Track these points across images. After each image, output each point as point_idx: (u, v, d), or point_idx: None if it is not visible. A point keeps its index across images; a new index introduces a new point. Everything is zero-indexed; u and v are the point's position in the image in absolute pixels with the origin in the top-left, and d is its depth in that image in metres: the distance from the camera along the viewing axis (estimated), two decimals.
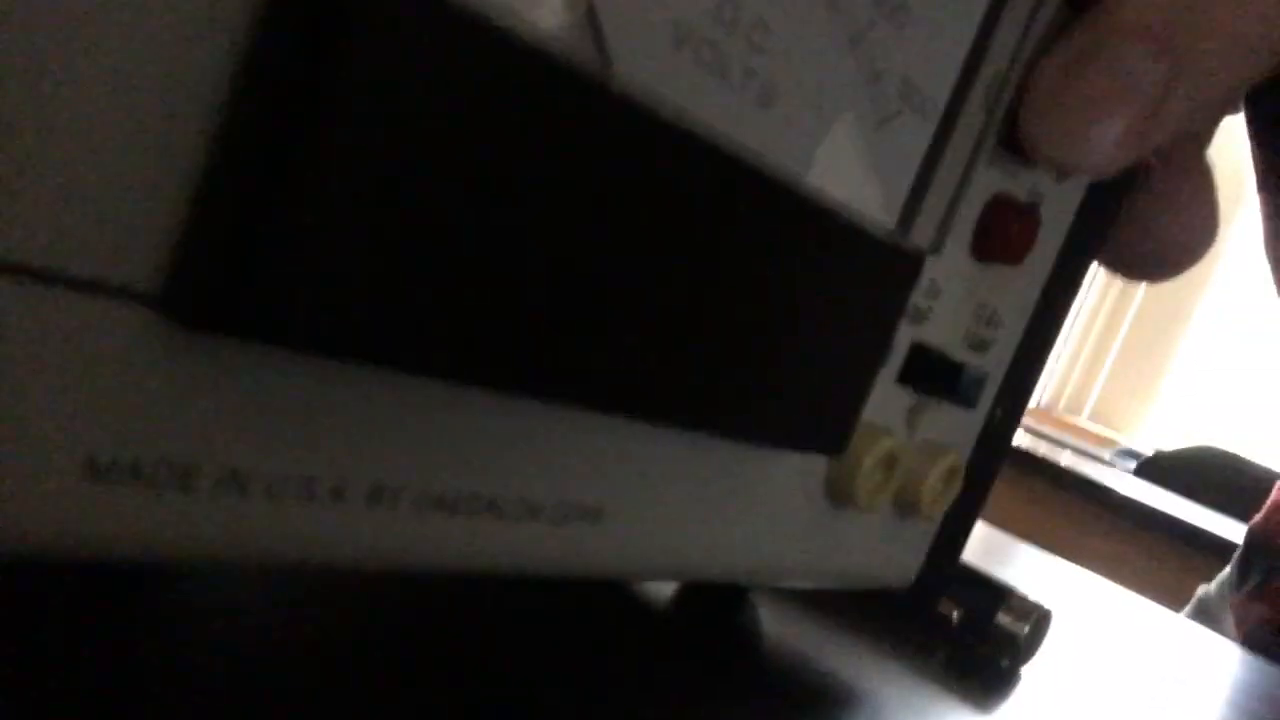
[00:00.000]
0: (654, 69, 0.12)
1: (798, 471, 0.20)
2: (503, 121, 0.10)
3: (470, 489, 0.13)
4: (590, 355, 0.13)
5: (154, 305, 0.10)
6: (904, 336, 0.20)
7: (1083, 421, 1.66)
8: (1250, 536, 0.60)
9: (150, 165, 0.09)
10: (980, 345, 0.22)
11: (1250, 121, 0.42)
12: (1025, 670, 0.29)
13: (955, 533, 0.25)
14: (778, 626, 0.26)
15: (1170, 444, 1.52)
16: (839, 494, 0.21)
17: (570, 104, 0.11)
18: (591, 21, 0.11)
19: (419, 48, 0.10)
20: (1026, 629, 0.28)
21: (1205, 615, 0.61)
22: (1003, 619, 0.29)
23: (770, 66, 0.14)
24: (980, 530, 0.46)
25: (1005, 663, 0.29)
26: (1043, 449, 1.38)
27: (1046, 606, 0.29)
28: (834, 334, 0.17)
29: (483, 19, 0.10)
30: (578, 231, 0.12)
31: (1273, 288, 0.48)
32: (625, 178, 0.12)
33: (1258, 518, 0.61)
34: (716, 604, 0.26)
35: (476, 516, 0.14)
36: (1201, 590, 0.64)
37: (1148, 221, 0.22)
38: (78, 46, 0.09)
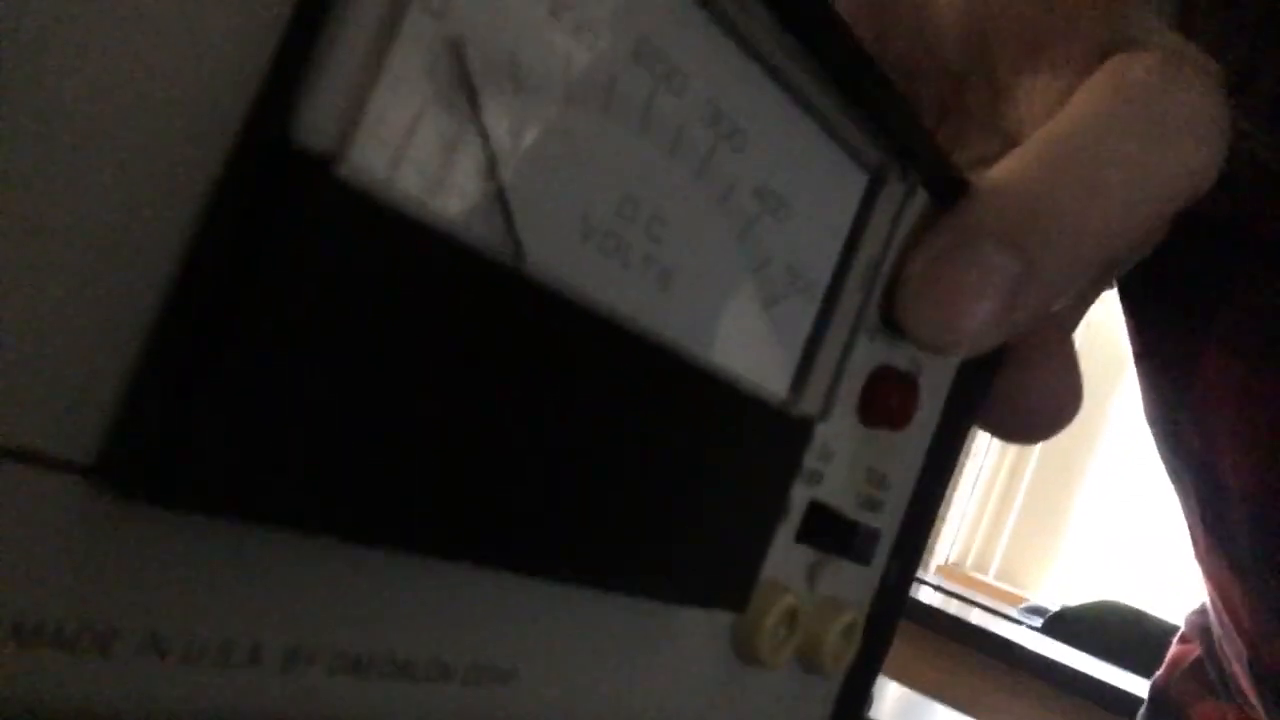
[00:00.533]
0: (562, 258, 0.14)
1: (704, 630, 0.21)
2: (425, 305, 0.12)
3: (385, 651, 0.14)
4: (508, 520, 0.14)
5: (88, 475, 0.10)
6: (801, 496, 0.21)
7: (990, 579, 1.69)
8: (1153, 692, 0.61)
9: (90, 341, 0.10)
10: (872, 505, 0.24)
11: (1121, 298, 0.46)
12: None
13: (858, 688, 0.26)
14: None
15: (1074, 599, 1.56)
16: (744, 651, 0.21)
17: (485, 289, 0.12)
18: (506, 218, 0.13)
19: (350, 238, 0.11)
20: None
21: None
22: None
23: (667, 255, 0.15)
24: (892, 689, 0.46)
25: None
26: (953, 607, 1.40)
27: None
28: (733, 495, 0.18)
29: (409, 216, 0.11)
30: (494, 406, 0.13)
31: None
32: (540, 355, 0.13)
33: (1159, 674, 0.62)
34: None
35: (389, 679, 0.14)
36: None
37: (1014, 393, 0.24)
38: (21, 225, 0.10)
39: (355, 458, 0.11)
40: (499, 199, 0.13)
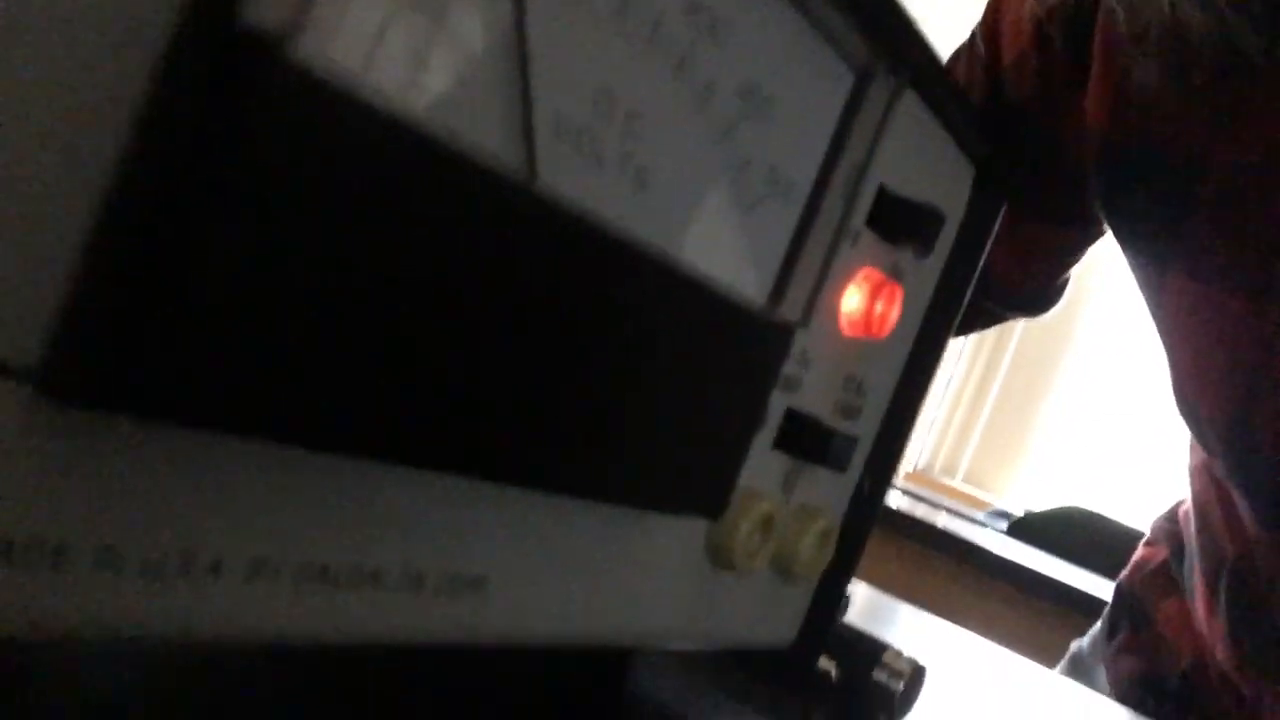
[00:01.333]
0: (534, 155, 0.13)
1: (679, 536, 0.20)
2: (384, 200, 0.11)
3: (353, 561, 0.13)
4: (477, 427, 0.13)
5: (32, 381, 0.10)
6: (778, 404, 0.21)
7: (957, 483, 1.72)
8: (1118, 593, 0.63)
9: (32, 243, 0.10)
10: (850, 412, 0.23)
11: (1114, 232, 0.46)
12: None
13: (831, 593, 0.26)
14: (661, 688, 0.27)
15: (1039, 504, 1.59)
16: (719, 557, 0.21)
17: (450, 185, 0.12)
18: (473, 112, 0.12)
19: (304, 126, 0.10)
20: (901, 685, 0.29)
21: (1079, 670, 0.63)
22: (879, 676, 0.29)
23: (645, 153, 0.15)
24: (860, 590, 0.47)
25: (882, 718, 0.30)
26: (920, 511, 1.43)
27: (921, 663, 0.30)
28: (710, 403, 0.18)
29: (365, 103, 0.10)
30: (458, 307, 0.12)
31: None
32: (507, 256, 0.12)
33: (1124, 574, 0.64)
34: (601, 666, 0.26)
35: (358, 589, 0.14)
36: (1075, 646, 0.66)
37: None
38: None
39: (310, 361, 0.11)
40: (466, 91, 0.12)
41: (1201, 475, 0.53)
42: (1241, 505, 0.47)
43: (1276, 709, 0.47)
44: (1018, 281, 0.52)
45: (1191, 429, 0.47)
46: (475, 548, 0.16)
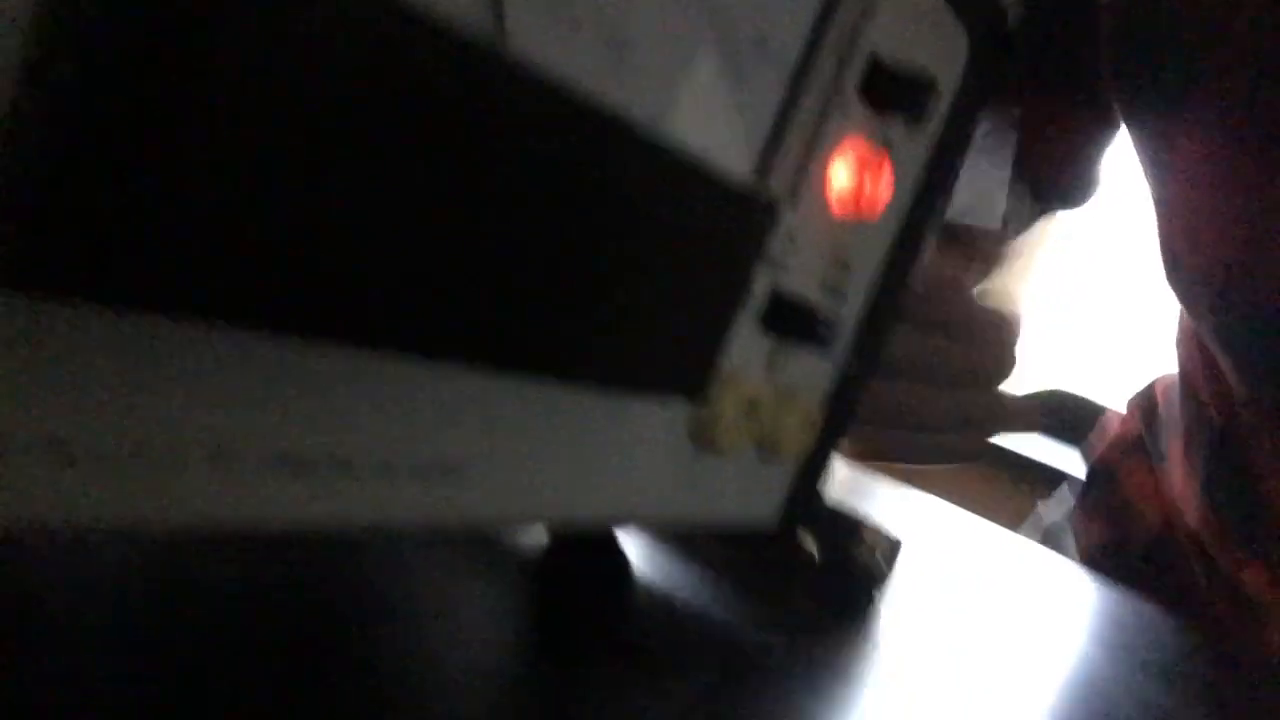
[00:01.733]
0: (501, 19, 0.12)
1: (661, 418, 0.20)
2: (338, 65, 0.10)
3: (321, 448, 0.13)
4: (450, 309, 0.13)
5: None
6: (763, 284, 0.21)
7: None
8: (1091, 463, 0.64)
9: None
10: (837, 293, 0.23)
11: (1122, 105, 0.45)
12: (880, 598, 0.30)
13: (813, 473, 0.26)
14: (645, 571, 0.27)
15: (1021, 389, 1.61)
16: (702, 439, 0.21)
17: (407, 47, 0.11)
18: None
19: None
20: (881, 560, 0.30)
21: (1047, 537, 0.65)
22: (857, 552, 0.30)
23: (623, 19, 0.14)
24: (838, 468, 0.47)
25: (862, 593, 0.30)
26: None
27: (897, 537, 0.31)
28: (692, 281, 0.17)
29: None
30: (425, 183, 0.11)
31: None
32: (477, 126, 0.12)
33: (1097, 444, 0.65)
34: (585, 551, 0.27)
35: (329, 477, 0.13)
36: (1039, 507, 0.68)
37: None
38: None
39: (260, 235, 0.10)
40: None
41: (1188, 344, 0.53)
42: (1228, 370, 0.48)
43: (1248, 571, 0.48)
44: (1048, 172, 0.51)
45: (1180, 293, 0.47)
46: (451, 435, 0.15)
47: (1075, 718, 0.27)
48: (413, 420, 0.15)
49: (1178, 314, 0.54)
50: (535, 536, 0.26)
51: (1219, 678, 0.39)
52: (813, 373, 0.24)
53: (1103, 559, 0.58)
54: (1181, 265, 0.45)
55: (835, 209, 0.21)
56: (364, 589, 0.20)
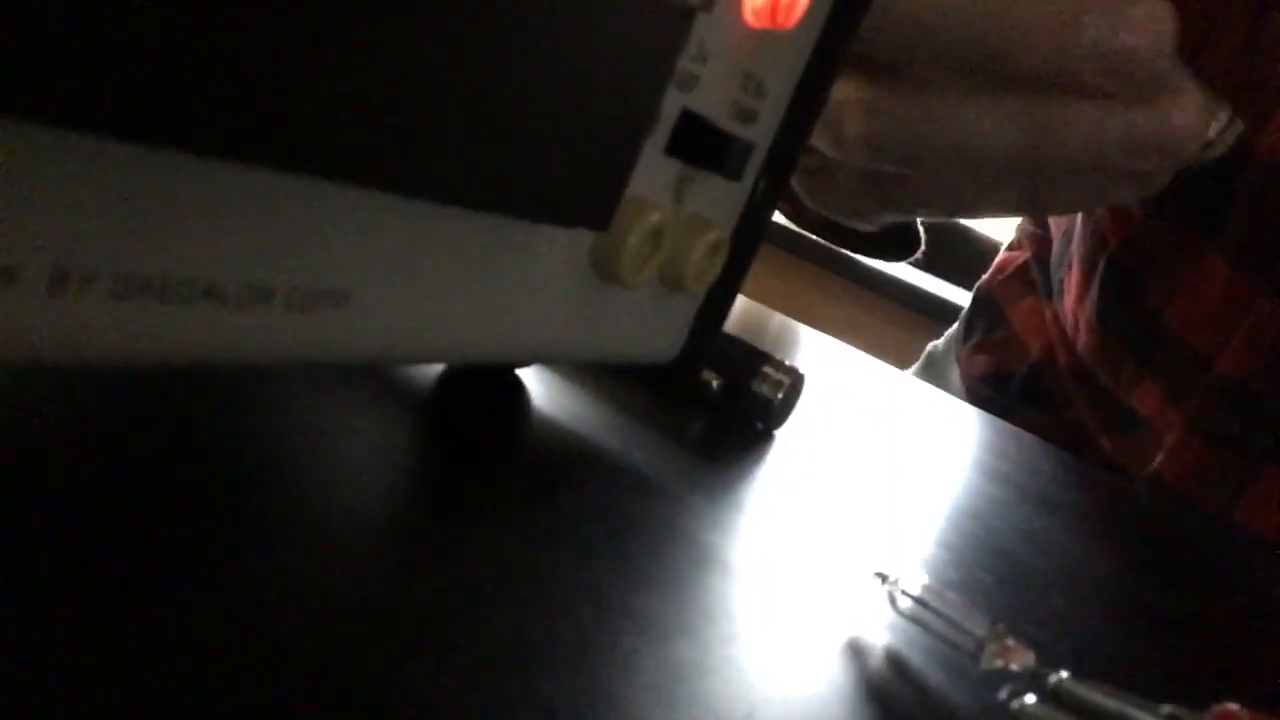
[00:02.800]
0: None
1: (562, 248, 0.19)
2: None
3: (181, 273, 0.12)
4: (327, 118, 0.11)
5: None
6: (672, 104, 0.19)
7: None
8: (977, 294, 0.66)
9: None
10: (747, 115, 0.22)
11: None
12: (778, 432, 0.31)
13: (717, 306, 0.25)
14: (543, 403, 0.26)
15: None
16: (605, 269, 0.20)
17: None
18: None
19: None
20: (781, 394, 0.30)
21: (933, 371, 0.67)
22: (758, 386, 0.30)
23: None
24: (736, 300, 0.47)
25: (760, 426, 0.30)
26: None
27: (800, 371, 0.31)
28: (598, 99, 0.16)
29: None
30: None
31: None
32: None
33: (984, 277, 0.66)
34: (482, 383, 0.26)
35: (192, 302, 0.12)
36: (930, 347, 0.70)
37: None
38: None
39: (83, 26, 0.08)
40: None
41: None
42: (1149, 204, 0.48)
43: (1139, 391, 0.50)
44: None
45: None
46: (334, 261, 0.14)
47: (956, 542, 0.28)
48: (288, 244, 0.13)
49: None
50: (427, 369, 0.25)
51: (1091, 501, 0.42)
52: (721, 200, 0.23)
53: (984, 390, 0.60)
54: None
55: (752, 22, 0.19)
56: (240, 425, 0.19)
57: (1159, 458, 0.49)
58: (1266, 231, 0.44)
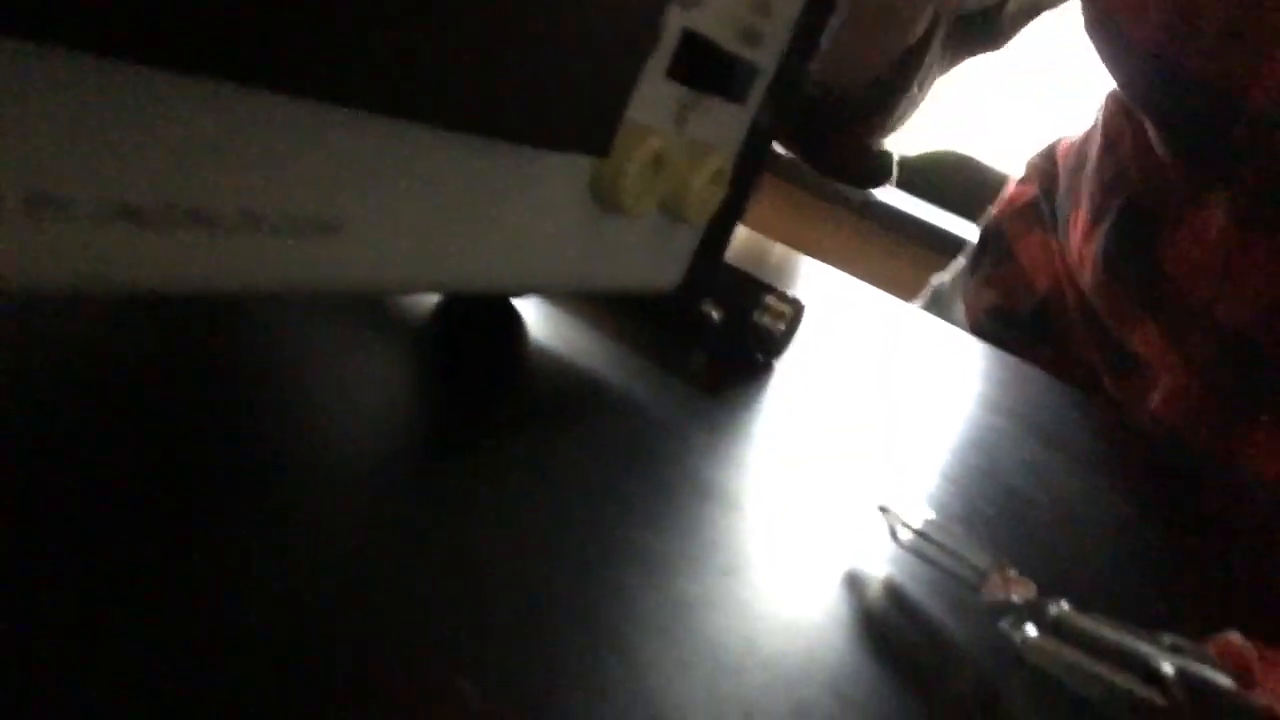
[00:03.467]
0: None
1: (562, 175, 0.18)
2: None
3: (164, 198, 0.11)
4: (316, 34, 0.11)
5: None
6: (674, 24, 0.19)
7: None
8: (985, 228, 0.65)
9: None
10: (753, 37, 0.21)
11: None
12: (779, 364, 0.30)
13: (719, 235, 0.25)
14: (541, 336, 0.26)
15: (914, 150, 1.61)
16: (605, 198, 0.20)
17: None
18: None
19: None
20: (782, 325, 0.30)
21: (939, 305, 0.66)
22: (760, 316, 0.29)
23: None
24: (740, 232, 0.46)
25: (762, 358, 0.30)
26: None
27: (800, 301, 0.30)
28: (595, 20, 0.15)
29: None
30: None
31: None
32: None
33: (992, 211, 0.65)
34: (479, 316, 0.25)
35: (181, 229, 0.12)
36: (936, 280, 0.69)
37: None
38: None
39: None
40: None
41: (1115, 100, 0.53)
42: (1153, 134, 0.48)
43: (1139, 332, 0.50)
44: None
45: (1108, 56, 0.46)
46: (328, 188, 0.14)
47: (959, 474, 0.28)
48: (278, 168, 0.13)
49: (1103, 76, 0.53)
50: (424, 299, 0.25)
51: (1095, 438, 0.41)
52: (724, 127, 0.22)
53: (990, 324, 0.60)
54: (1114, 21, 0.44)
55: None
56: (233, 357, 0.19)
57: (1156, 399, 0.49)
58: (1265, 184, 0.43)
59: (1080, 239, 0.54)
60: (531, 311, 0.27)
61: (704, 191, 0.22)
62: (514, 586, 0.15)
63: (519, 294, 0.26)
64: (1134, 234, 0.50)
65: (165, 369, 0.17)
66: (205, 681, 0.11)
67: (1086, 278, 0.53)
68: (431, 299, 0.25)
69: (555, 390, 0.23)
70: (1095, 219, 0.52)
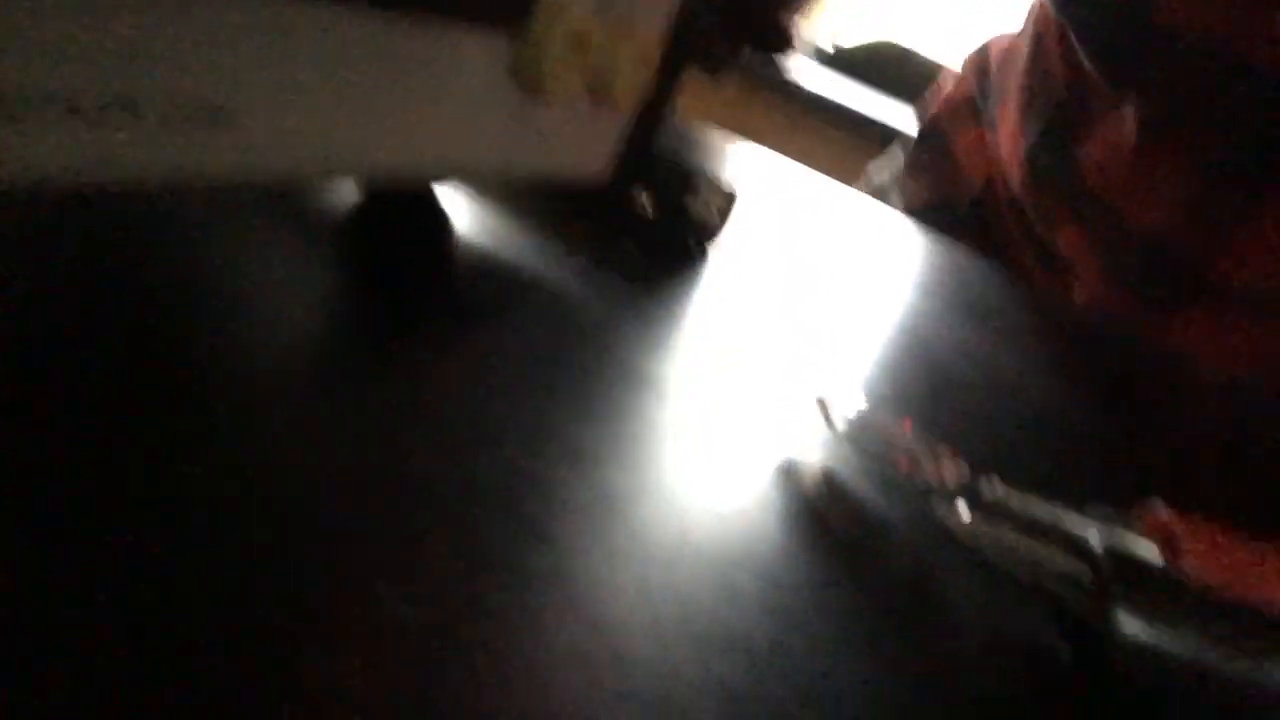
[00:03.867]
0: None
1: (477, 56, 0.17)
2: None
3: (34, 86, 0.10)
4: None
5: None
6: None
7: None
8: (923, 125, 0.64)
9: None
10: None
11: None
12: (713, 251, 0.30)
13: (648, 121, 0.24)
14: (468, 229, 0.25)
15: (850, 40, 1.58)
16: (526, 80, 0.19)
17: None
18: None
19: None
20: (716, 212, 0.29)
21: (877, 195, 0.66)
22: (693, 204, 0.29)
23: None
24: (674, 120, 0.45)
25: (696, 245, 0.30)
26: None
27: (732, 188, 0.30)
28: None
29: None
30: None
31: None
32: None
33: (930, 104, 0.65)
34: (402, 211, 0.24)
35: (49, 118, 0.11)
36: (875, 175, 0.69)
37: None
38: None
39: None
40: None
41: (1043, 8, 0.53)
42: (1073, 36, 0.48)
43: (1062, 233, 0.51)
44: None
45: None
46: (214, 72, 0.13)
47: (893, 358, 0.28)
48: (163, 54, 0.12)
49: None
50: (346, 197, 0.24)
51: (1029, 320, 0.42)
52: (651, 5, 0.21)
53: (926, 219, 0.60)
54: None
55: None
56: (145, 255, 0.18)
57: (1080, 296, 0.50)
58: (1171, 93, 0.44)
59: (1008, 140, 0.54)
60: (458, 205, 0.26)
61: (630, 74, 0.21)
62: (438, 483, 0.14)
63: (436, 183, 0.25)
64: (1057, 138, 0.50)
65: (84, 273, 0.16)
66: (138, 584, 0.10)
67: (1014, 178, 0.53)
68: (353, 196, 0.24)
69: (482, 284, 0.23)
70: (1022, 121, 0.53)
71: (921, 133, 0.65)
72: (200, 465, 0.13)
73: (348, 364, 0.17)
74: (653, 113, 0.24)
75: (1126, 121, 0.47)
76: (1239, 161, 0.43)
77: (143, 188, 0.13)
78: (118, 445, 0.13)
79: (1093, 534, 0.19)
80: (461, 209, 0.26)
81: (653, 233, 0.29)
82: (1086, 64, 0.48)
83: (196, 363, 0.15)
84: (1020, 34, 0.57)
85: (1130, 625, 0.15)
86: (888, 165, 0.69)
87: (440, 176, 0.19)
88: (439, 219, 0.25)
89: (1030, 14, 0.56)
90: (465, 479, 0.15)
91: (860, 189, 0.68)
